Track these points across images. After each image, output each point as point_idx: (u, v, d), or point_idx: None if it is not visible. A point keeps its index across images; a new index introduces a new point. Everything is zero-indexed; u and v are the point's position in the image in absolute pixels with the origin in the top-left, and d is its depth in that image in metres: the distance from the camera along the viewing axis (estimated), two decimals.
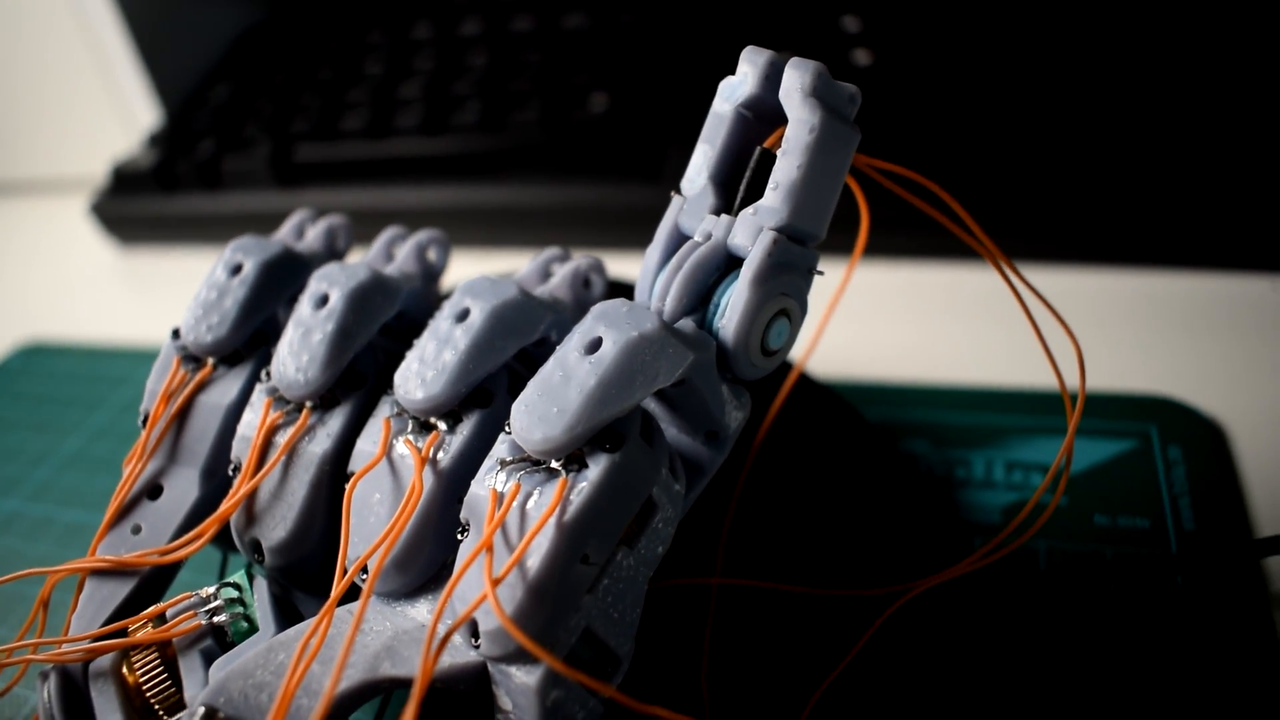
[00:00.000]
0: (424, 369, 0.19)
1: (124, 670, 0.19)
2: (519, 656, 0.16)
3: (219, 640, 0.19)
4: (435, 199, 0.41)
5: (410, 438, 0.19)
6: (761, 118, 0.19)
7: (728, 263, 0.19)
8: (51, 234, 0.54)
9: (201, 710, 0.16)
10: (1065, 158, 0.32)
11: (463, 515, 0.18)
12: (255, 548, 0.20)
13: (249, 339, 0.23)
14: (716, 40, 0.42)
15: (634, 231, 0.31)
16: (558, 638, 0.16)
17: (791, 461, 0.25)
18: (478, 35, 0.47)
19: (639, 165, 0.38)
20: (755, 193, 0.19)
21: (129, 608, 0.20)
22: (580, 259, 0.24)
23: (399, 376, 0.20)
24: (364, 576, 0.19)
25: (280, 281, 0.23)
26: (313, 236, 0.25)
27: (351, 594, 0.19)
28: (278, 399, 0.21)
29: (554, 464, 0.17)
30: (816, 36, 0.39)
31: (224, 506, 0.20)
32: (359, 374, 0.21)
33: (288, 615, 0.19)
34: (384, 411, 0.20)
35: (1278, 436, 0.25)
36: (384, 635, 0.18)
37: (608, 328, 0.17)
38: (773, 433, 0.24)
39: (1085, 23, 0.36)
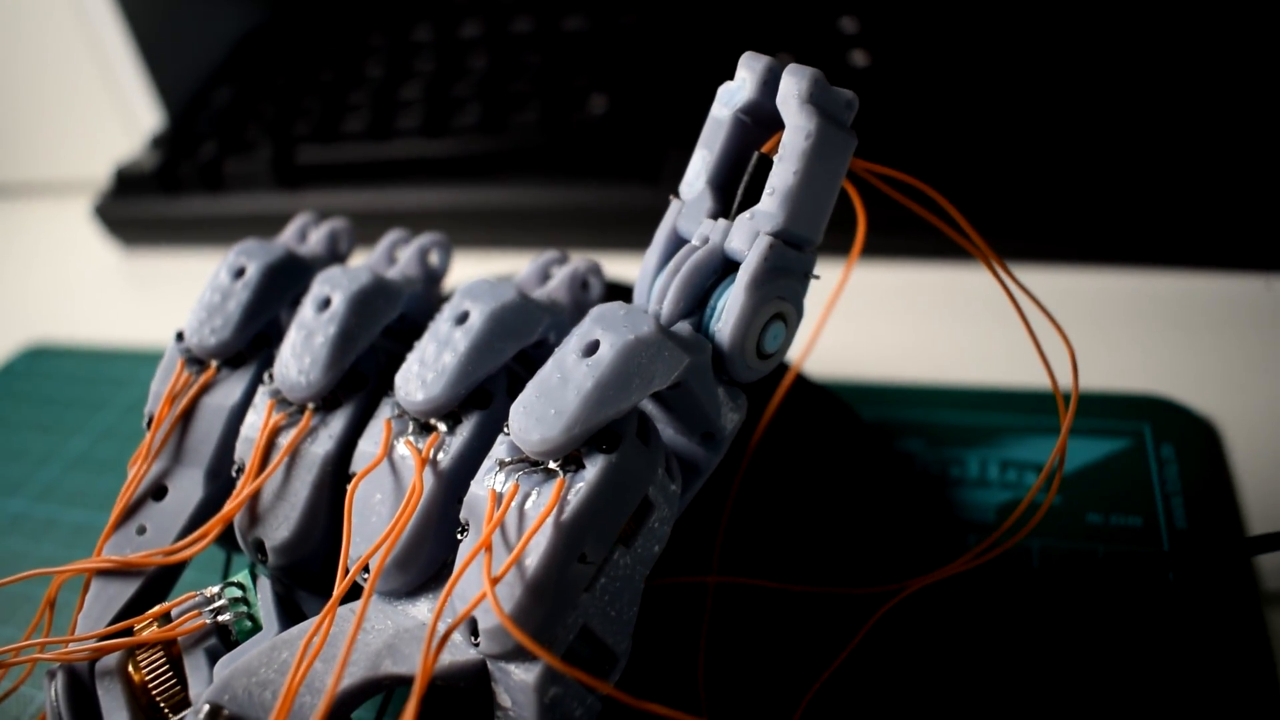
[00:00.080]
0: (424, 371, 0.20)
1: (130, 669, 0.19)
2: (518, 654, 0.17)
3: (223, 639, 0.19)
4: (436, 200, 0.41)
5: (411, 439, 0.20)
6: (759, 123, 0.20)
7: (725, 266, 0.19)
8: (54, 236, 0.54)
9: (206, 708, 0.16)
10: (1061, 158, 0.32)
11: (462, 515, 0.18)
12: (259, 548, 0.21)
13: (252, 341, 0.23)
14: (715, 42, 0.42)
15: (633, 232, 0.32)
16: (556, 635, 0.17)
17: (788, 461, 0.25)
18: (478, 37, 0.48)
19: (638, 167, 0.38)
20: (752, 197, 0.19)
21: (134, 607, 0.20)
22: (578, 262, 0.24)
23: (400, 378, 0.20)
24: (366, 576, 0.19)
25: (283, 285, 0.23)
26: (315, 240, 0.25)
27: (353, 593, 0.19)
28: (280, 401, 0.21)
29: (552, 464, 0.17)
30: (814, 38, 0.40)
31: (228, 507, 0.20)
32: (361, 376, 0.22)
33: (291, 614, 0.20)
34: (385, 413, 0.20)
35: (1270, 435, 0.26)
36: (385, 633, 0.18)
37: (605, 330, 0.17)
38: (770, 432, 0.24)
39: (1082, 23, 0.36)
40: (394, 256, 0.25)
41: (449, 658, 0.17)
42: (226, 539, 0.22)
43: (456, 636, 0.17)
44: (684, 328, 0.18)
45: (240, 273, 0.23)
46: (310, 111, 0.46)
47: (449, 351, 0.20)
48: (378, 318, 0.22)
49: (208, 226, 0.46)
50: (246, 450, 0.21)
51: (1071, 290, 0.32)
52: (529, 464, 0.17)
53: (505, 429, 0.18)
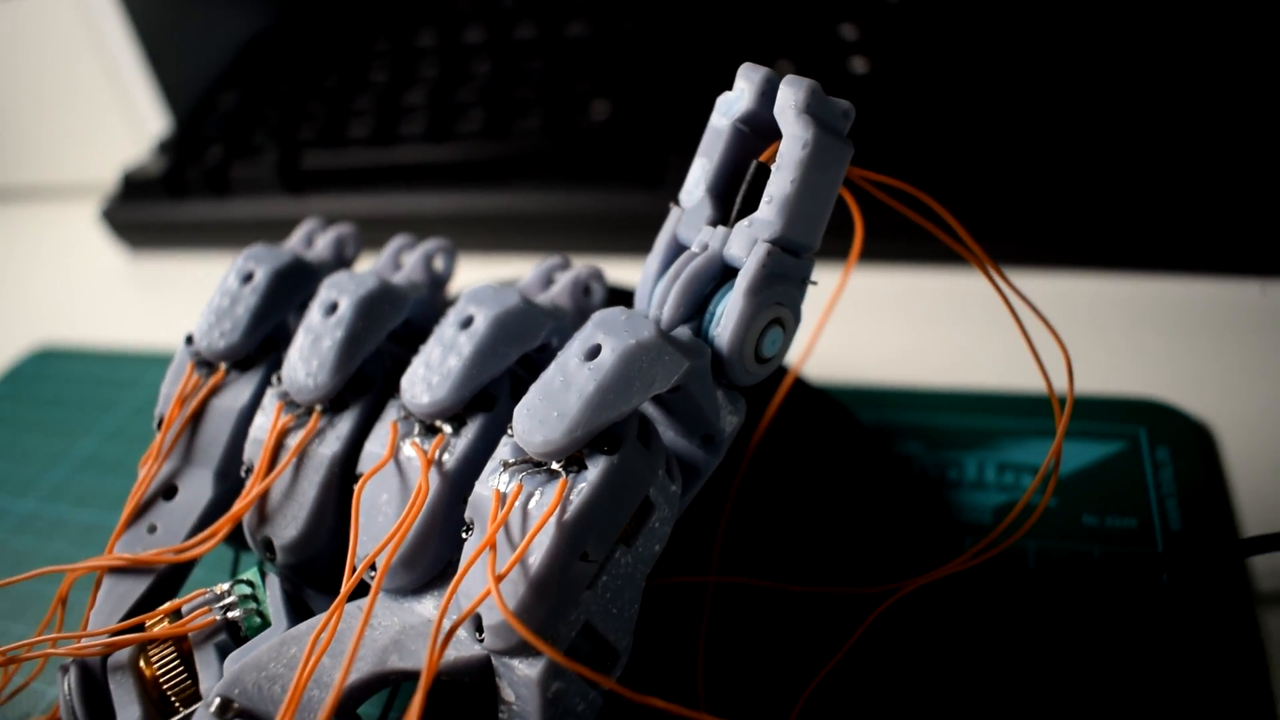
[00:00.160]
0: (430, 374, 0.20)
1: (141, 664, 0.19)
2: (521, 650, 0.17)
3: (233, 635, 0.19)
4: (440, 205, 0.41)
5: (416, 440, 0.20)
6: (758, 132, 0.20)
7: (724, 273, 0.19)
8: (63, 239, 0.54)
9: (218, 700, 0.16)
10: (1058, 163, 0.32)
11: (467, 515, 0.18)
12: (267, 546, 0.21)
13: (260, 345, 0.23)
14: (716, 48, 0.42)
15: (635, 236, 0.32)
16: (559, 632, 0.17)
17: (787, 463, 0.25)
18: (481, 43, 0.48)
19: (640, 172, 0.38)
20: (751, 205, 0.19)
21: (145, 604, 0.21)
22: (581, 268, 0.24)
23: (406, 381, 0.20)
24: (372, 574, 0.19)
25: (291, 289, 0.23)
26: (322, 245, 0.26)
27: (360, 590, 0.20)
28: (289, 403, 0.22)
29: (555, 465, 0.17)
30: (815, 44, 0.40)
31: (237, 506, 0.21)
32: (367, 379, 0.22)
33: (299, 611, 0.20)
34: (391, 415, 0.21)
35: (1264, 439, 0.26)
36: (391, 630, 0.18)
37: (606, 335, 0.18)
38: (769, 435, 0.24)
39: (1079, 30, 0.37)
40: (399, 262, 0.25)
41: (454, 653, 0.17)
42: (235, 538, 0.22)
43: (461, 633, 0.18)
44: (684, 332, 0.19)
45: (249, 277, 0.23)
46: (315, 116, 0.47)
47: (454, 355, 0.20)
48: (384, 322, 0.22)
49: (213, 230, 0.47)
50: (255, 451, 0.21)
51: (1069, 295, 0.32)
52: (532, 465, 0.18)
53: (509, 431, 0.18)
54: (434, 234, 0.27)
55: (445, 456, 0.20)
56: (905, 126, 0.35)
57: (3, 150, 0.59)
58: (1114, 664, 0.21)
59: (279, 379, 0.22)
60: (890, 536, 0.24)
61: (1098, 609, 0.22)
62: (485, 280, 0.24)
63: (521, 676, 0.17)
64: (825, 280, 0.23)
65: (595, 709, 0.18)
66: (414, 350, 0.21)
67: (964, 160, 0.33)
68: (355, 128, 0.45)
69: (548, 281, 0.24)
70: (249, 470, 0.22)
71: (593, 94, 0.41)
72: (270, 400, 0.22)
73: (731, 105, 0.20)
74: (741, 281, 0.18)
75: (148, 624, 0.20)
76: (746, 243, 0.19)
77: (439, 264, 0.25)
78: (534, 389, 0.18)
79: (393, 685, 0.18)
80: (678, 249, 0.21)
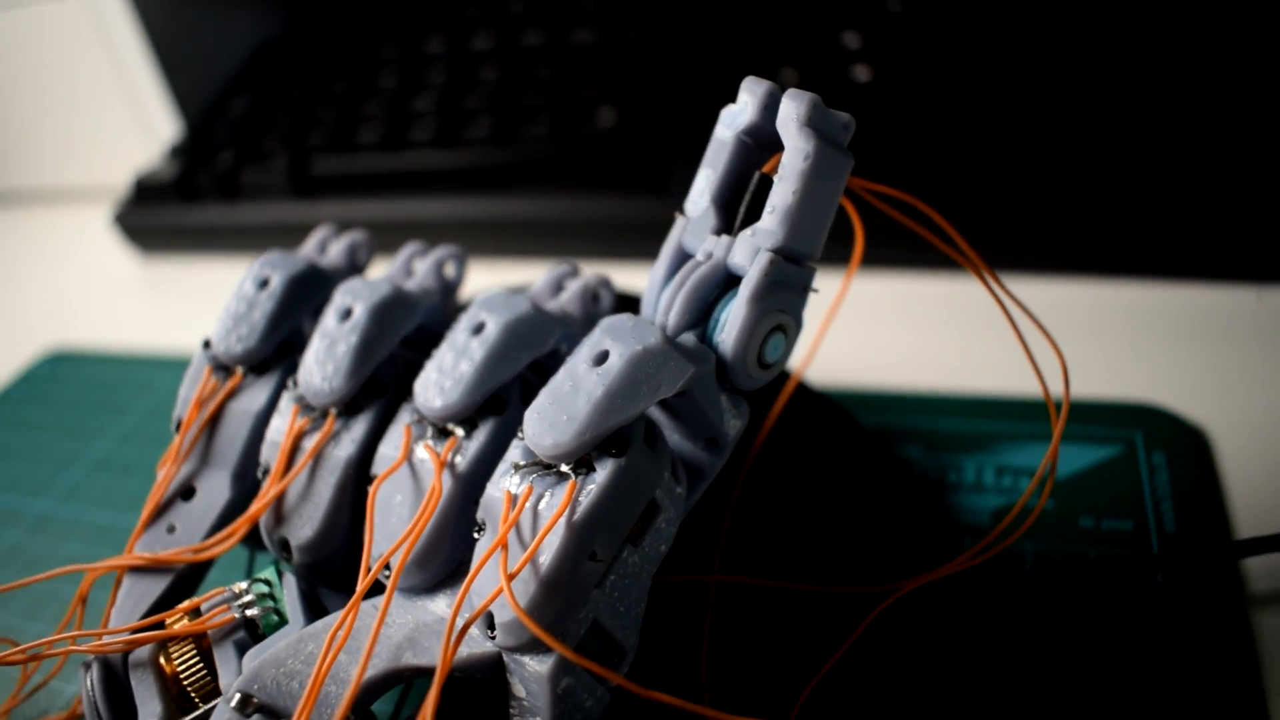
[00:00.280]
0: (442, 378, 0.21)
1: (162, 660, 0.20)
2: (532, 646, 0.17)
3: (251, 632, 0.20)
4: (448, 211, 0.42)
5: (429, 443, 0.20)
6: (761, 144, 0.20)
7: (727, 281, 0.20)
8: (75, 244, 0.55)
9: (237, 696, 0.17)
10: (1056, 171, 0.33)
11: (479, 515, 0.19)
12: (284, 546, 0.22)
13: (276, 349, 0.24)
14: (721, 56, 0.43)
15: (641, 243, 0.32)
16: (568, 629, 0.17)
17: (789, 465, 0.25)
18: (489, 50, 0.48)
19: (646, 178, 0.39)
20: (754, 215, 0.20)
21: (165, 602, 0.21)
22: (589, 275, 0.25)
23: (419, 385, 0.21)
24: (387, 573, 0.20)
25: (306, 295, 0.24)
26: (335, 252, 0.26)
27: (375, 589, 0.20)
28: (304, 406, 0.22)
29: (564, 468, 0.18)
30: (818, 53, 0.40)
31: (254, 507, 0.21)
32: (381, 383, 0.22)
33: (315, 609, 0.20)
34: (404, 418, 0.21)
35: (1259, 443, 0.26)
36: (406, 627, 0.18)
37: (614, 341, 0.18)
38: (772, 438, 0.25)
39: (1078, 38, 0.37)
40: (412, 268, 0.26)
41: (467, 650, 0.18)
42: (252, 538, 0.23)
43: (474, 630, 0.18)
44: (689, 339, 0.19)
45: (265, 283, 0.24)
46: (325, 122, 0.47)
47: (466, 360, 0.20)
48: (397, 327, 0.22)
49: (224, 235, 0.47)
50: (272, 453, 0.22)
51: (1067, 301, 0.32)
52: (542, 467, 0.18)
53: (519, 434, 0.19)
54: (442, 239, 0.28)
55: (457, 459, 0.20)
56: (906, 134, 0.35)
57: (16, 154, 0.60)
58: (1109, 663, 0.21)
59: (295, 383, 0.22)
60: (890, 537, 0.25)
61: (1093, 610, 0.22)
62: (493, 285, 0.24)
63: (532, 673, 0.17)
64: (827, 287, 0.23)
65: (603, 704, 0.18)
66: (426, 355, 0.22)
67: (964, 166, 0.34)
68: (365, 133, 0.45)
69: (557, 288, 0.25)
70: (266, 472, 0.22)
71: (599, 101, 0.42)
72: (286, 403, 0.22)
73: (735, 118, 0.20)
74: (745, 289, 0.19)
75: (168, 622, 0.20)
76: (750, 251, 0.19)
77: (450, 270, 0.26)
78: (544, 393, 0.18)
79: (407, 681, 0.18)
80: (683, 257, 0.21)
